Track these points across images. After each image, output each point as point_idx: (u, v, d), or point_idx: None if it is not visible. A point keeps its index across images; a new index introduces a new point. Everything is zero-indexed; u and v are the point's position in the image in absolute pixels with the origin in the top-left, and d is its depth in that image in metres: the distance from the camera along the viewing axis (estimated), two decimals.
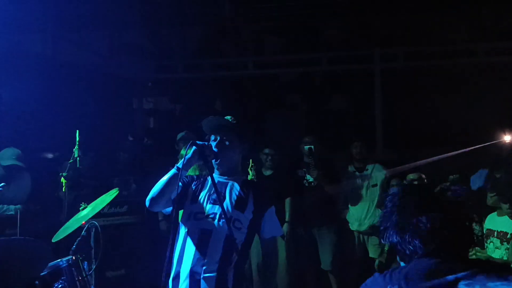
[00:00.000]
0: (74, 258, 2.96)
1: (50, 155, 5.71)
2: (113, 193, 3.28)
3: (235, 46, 7.74)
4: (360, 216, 4.90)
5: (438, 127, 6.19)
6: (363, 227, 4.89)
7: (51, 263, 2.89)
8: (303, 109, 7.70)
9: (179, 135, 5.00)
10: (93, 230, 3.21)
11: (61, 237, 3.02)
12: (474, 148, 4.25)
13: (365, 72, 7.03)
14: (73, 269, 2.92)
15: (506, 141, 4.60)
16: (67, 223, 3.10)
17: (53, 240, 3.01)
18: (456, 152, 4.30)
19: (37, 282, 2.80)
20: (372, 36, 7.24)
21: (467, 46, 6.81)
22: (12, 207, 4.15)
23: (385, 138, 6.60)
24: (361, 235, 4.96)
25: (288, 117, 7.29)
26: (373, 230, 4.83)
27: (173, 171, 2.37)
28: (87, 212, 3.09)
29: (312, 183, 4.80)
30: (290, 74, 7.85)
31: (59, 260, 2.91)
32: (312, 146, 4.72)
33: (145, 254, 4.42)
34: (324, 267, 4.84)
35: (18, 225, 3.89)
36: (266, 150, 4.90)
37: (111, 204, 4.07)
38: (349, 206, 5.01)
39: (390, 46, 6.93)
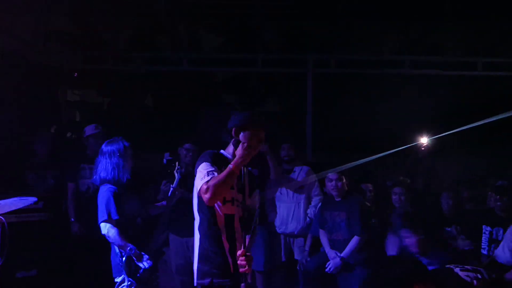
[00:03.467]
0: None
1: None
2: (29, 201, 3.07)
3: (170, 41, 7.54)
4: (286, 218, 4.91)
5: (365, 132, 6.43)
6: (289, 229, 4.91)
7: None
8: (237, 109, 7.67)
9: (89, 130, 4.73)
10: (0, 227, 2.93)
11: None
12: (394, 151, 4.46)
13: (298, 75, 7.18)
14: None
15: (422, 144, 4.92)
16: None
17: None
18: (379, 155, 4.49)
19: None
20: (307, 42, 7.42)
21: (394, 58, 7.18)
22: None
23: (315, 141, 6.76)
24: (287, 238, 4.98)
25: (221, 116, 7.19)
26: (299, 232, 4.87)
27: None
28: None
29: None
30: (226, 73, 7.79)
31: None
32: None
33: (59, 254, 4.15)
34: (256, 267, 4.78)
35: None
36: (187, 145, 4.65)
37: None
38: (276, 208, 5.00)
39: (324, 52, 7.14)
